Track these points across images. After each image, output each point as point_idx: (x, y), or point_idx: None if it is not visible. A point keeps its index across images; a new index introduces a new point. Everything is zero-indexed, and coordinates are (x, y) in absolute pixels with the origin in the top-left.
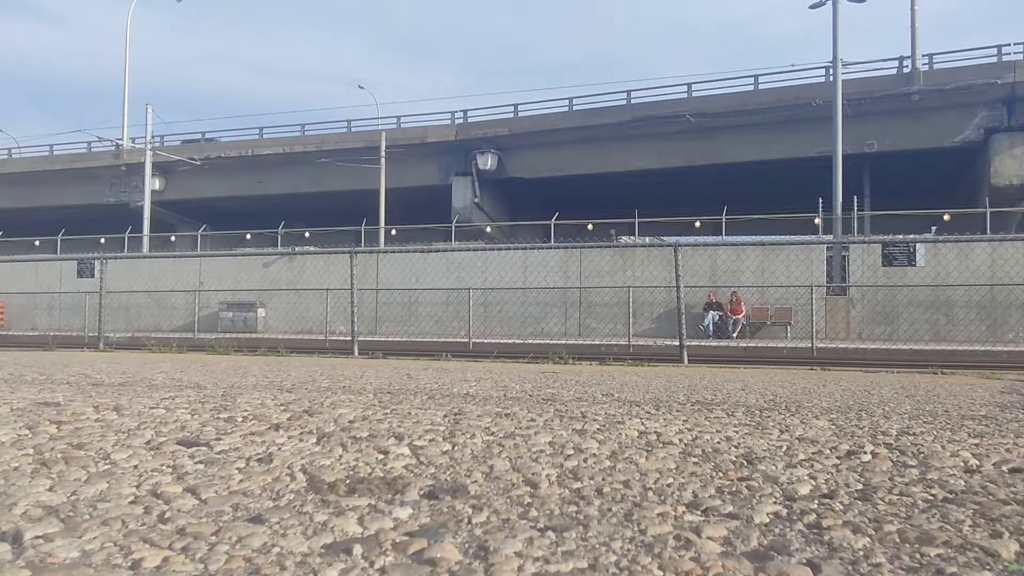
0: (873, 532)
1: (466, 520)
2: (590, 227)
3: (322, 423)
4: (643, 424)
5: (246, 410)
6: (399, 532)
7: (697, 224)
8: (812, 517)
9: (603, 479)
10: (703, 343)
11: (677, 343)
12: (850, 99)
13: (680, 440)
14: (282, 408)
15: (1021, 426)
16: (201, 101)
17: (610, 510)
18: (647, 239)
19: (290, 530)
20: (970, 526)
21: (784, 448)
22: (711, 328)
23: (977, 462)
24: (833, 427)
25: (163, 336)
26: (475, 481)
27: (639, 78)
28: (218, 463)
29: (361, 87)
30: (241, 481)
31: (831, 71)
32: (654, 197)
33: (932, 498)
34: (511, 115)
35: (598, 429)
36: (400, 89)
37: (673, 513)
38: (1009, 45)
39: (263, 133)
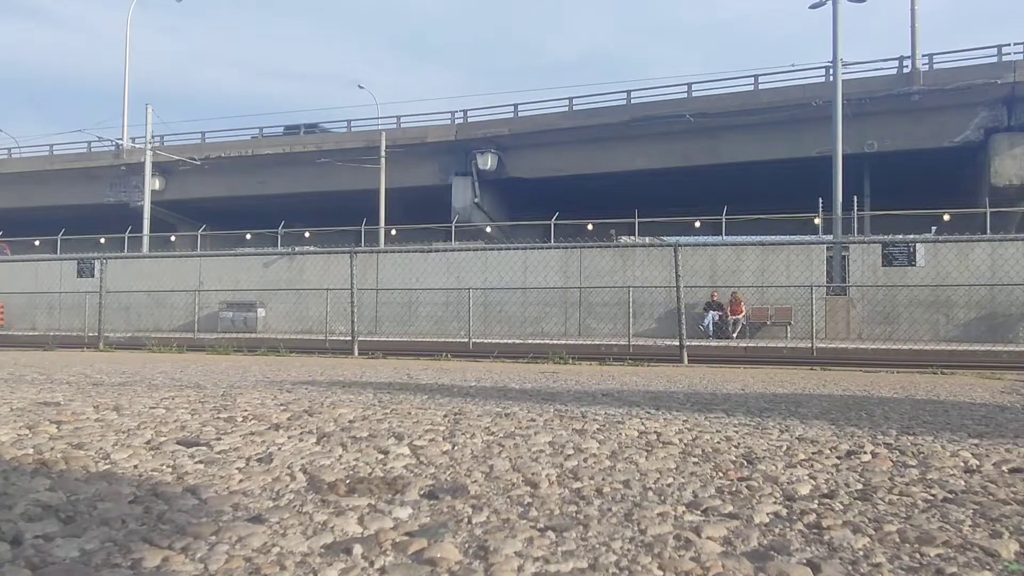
0: (873, 532)
1: (466, 520)
2: (590, 227)
3: (322, 423)
4: (643, 424)
5: (246, 410)
6: (399, 532)
7: (697, 224)
8: (812, 517)
9: (603, 479)
10: (703, 343)
11: (677, 343)
12: (850, 99)
13: (680, 440)
14: (282, 408)
15: (1021, 426)
16: (201, 101)
17: (610, 510)
18: (647, 239)
19: (290, 530)
20: (970, 526)
21: (784, 448)
22: (711, 328)
23: (977, 462)
24: (833, 427)
25: (163, 336)
26: (475, 481)
27: (639, 78)
28: (218, 463)
29: (361, 87)
30: (241, 481)
31: (831, 71)
32: (654, 197)
33: (932, 498)
34: (511, 115)
35: (598, 429)
36: (400, 89)
37: (673, 513)
38: (1009, 45)
39: (263, 133)
